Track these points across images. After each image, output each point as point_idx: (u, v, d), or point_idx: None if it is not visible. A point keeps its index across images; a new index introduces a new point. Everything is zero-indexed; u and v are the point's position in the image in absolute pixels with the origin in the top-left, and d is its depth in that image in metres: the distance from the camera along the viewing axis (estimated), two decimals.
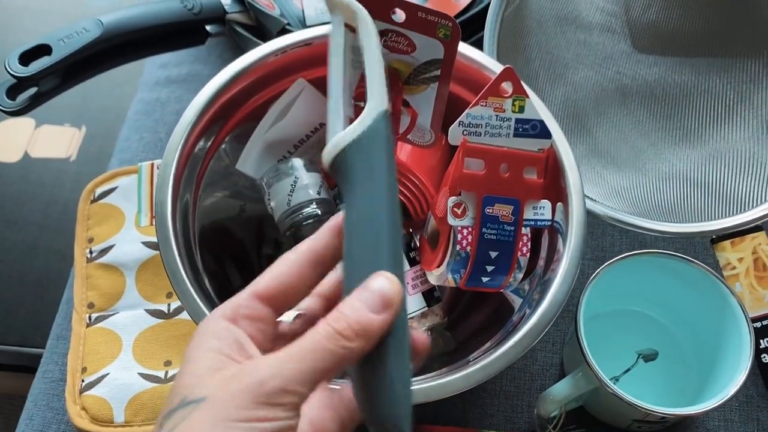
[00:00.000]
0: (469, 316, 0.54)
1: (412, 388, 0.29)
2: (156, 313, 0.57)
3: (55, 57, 0.59)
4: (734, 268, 0.54)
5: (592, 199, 0.55)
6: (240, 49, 0.58)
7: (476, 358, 0.43)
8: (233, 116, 0.53)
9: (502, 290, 0.48)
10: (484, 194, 0.45)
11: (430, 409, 0.55)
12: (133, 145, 0.70)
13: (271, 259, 0.58)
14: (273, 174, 0.52)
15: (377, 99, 0.33)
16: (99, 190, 0.63)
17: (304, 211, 0.50)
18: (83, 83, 0.64)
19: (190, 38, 0.68)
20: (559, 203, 0.47)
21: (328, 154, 0.32)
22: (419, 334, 0.31)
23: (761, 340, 0.53)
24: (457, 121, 0.45)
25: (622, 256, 0.51)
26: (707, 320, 0.52)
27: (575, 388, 0.48)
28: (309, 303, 0.33)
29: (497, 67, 0.50)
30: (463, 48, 0.51)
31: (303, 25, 0.69)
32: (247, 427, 0.25)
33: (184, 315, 0.57)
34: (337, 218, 0.31)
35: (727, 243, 0.54)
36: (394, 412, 0.28)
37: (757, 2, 0.59)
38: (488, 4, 0.58)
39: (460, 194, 0.45)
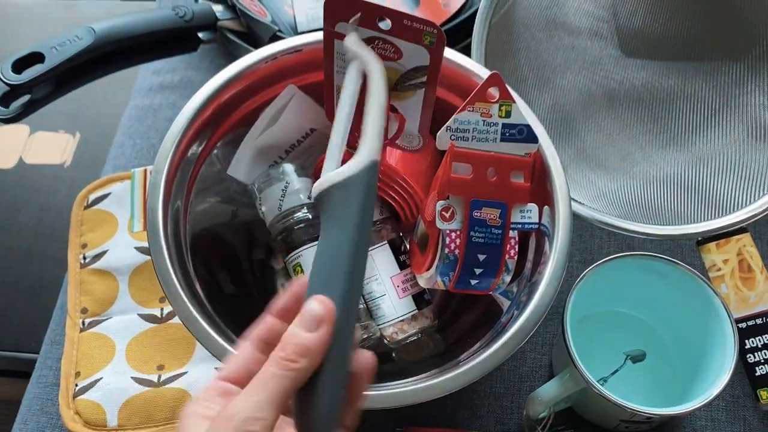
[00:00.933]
0: (458, 319, 0.55)
1: (340, 406, 0.32)
2: (149, 318, 0.58)
3: (48, 64, 0.60)
4: (720, 269, 0.55)
5: (579, 202, 0.55)
6: (232, 56, 0.58)
7: (465, 360, 0.44)
8: (225, 122, 0.53)
9: (490, 292, 0.49)
10: (472, 198, 0.46)
11: (421, 410, 0.55)
12: (127, 151, 0.70)
13: (262, 264, 0.59)
14: (264, 179, 0.52)
15: (369, 149, 0.37)
16: (92, 196, 0.63)
17: (295, 215, 0.51)
18: (77, 90, 0.64)
19: (182, 45, 0.68)
20: (545, 206, 0.48)
21: (316, 188, 0.36)
22: (364, 354, 0.34)
23: (746, 341, 0.54)
24: (445, 126, 0.45)
25: (608, 258, 0.52)
26: (693, 321, 0.53)
27: (563, 388, 0.49)
28: None
29: (484, 73, 0.50)
30: (451, 54, 0.52)
31: (294, 31, 0.69)
32: None
33: (177, 320, 0.57)
34: (298, 285, 0.34)
35: (712, 245, 0.55)
36: (319, 427, 0.31)
37: (742, 7, 0.60)
38: (476, 11, 0.59)
39: (448, 198, 0.46)
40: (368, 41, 0.41)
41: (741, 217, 0.54)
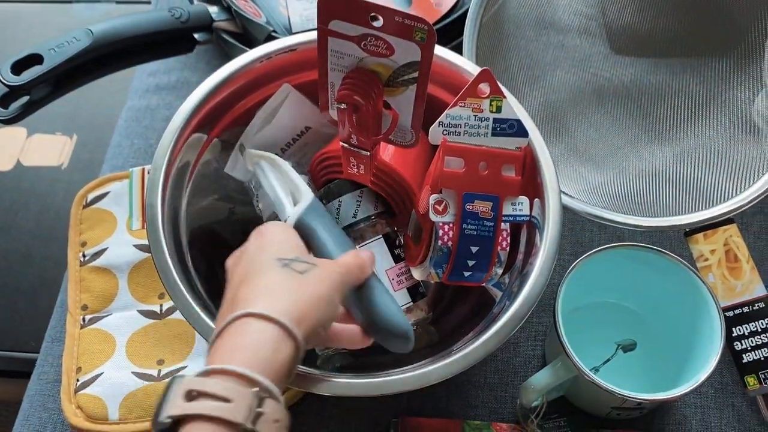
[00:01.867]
0: (452, 310, 0.56)
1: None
2: (148, 314, 0.59)
3: (46, 66, 0.61)
4: (707, 259, 0.56)
5: (570, 195, 0.57)
6: (227, 57, 0.59)
7: (458, 349, 0.45)
8: (221, 121, 0.54)
9: (483, 284, 0.50)
10: (464, 191, 0.47)
11: (416, 401, 0.56)
12: (124, 152, 0.71)
13: None
14: None
15: (306, 192, 0.49)
16: (91, 196, 0.64)
17: None
18: (74, 92, 0.65)
19: (178, 46, 0.69)
20: (536, 199, 0.49)
21: (290, 219, 0.48)
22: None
23: (734, 329, 0.55)
24: (437, 121, 0.46)
25: (598, 249, 0.53)
26: (681, 311, 0.54)
27: (555, 377, 0.50)
28: None
29: (476, 70, 0.51)
30: (443, 52, 0.53)
31: (289, 32, 0.70)
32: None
33: (176, 315, 0.58)
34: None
35: (700, 236, 0.56)
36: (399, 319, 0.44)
37: (727, 3, 0.61)
38: (467, 10, 0.60)
39: (441, 191, 0.47)
40: (360, 38, 0.42)
41: (727, 209, 0.55)
